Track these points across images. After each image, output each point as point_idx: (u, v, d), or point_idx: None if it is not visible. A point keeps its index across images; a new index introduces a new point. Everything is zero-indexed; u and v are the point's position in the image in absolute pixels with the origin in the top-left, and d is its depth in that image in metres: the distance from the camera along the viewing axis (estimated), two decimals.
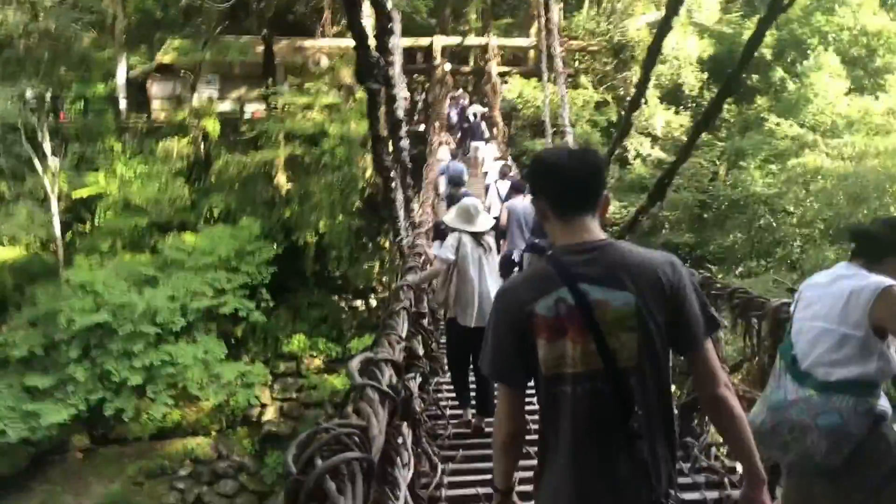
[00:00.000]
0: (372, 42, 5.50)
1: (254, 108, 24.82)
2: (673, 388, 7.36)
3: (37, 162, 19.47)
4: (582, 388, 1.99)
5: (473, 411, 5.89)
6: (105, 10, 24.41)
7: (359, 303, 22.00)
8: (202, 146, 22.23)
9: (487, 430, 5.84)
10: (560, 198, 2.11)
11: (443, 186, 12.93)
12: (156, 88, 25.64)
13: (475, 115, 21.39)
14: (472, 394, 5.98)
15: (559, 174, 2.12)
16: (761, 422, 2.65)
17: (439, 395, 6.36)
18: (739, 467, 5.06)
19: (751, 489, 2.13)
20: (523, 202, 8.78)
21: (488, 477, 2.49)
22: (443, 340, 7.11)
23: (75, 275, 17.91)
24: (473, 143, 19.82)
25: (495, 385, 4.13)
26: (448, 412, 5.91)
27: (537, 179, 2.21)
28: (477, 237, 5.78)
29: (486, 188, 14.04)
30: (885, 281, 2.48)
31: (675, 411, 2.58)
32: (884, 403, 2.55)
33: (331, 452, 1.62)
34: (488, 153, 17.94)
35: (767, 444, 2.63)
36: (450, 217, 6.03)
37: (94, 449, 17.40)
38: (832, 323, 2.53)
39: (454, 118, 22.66)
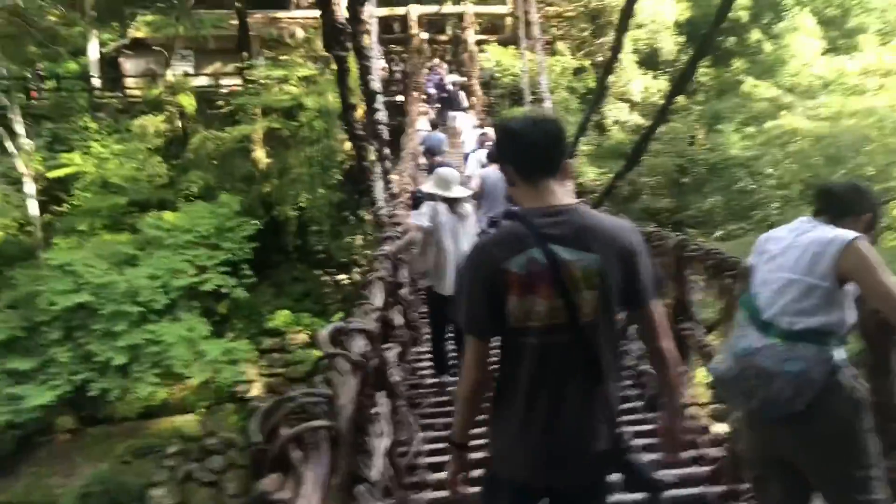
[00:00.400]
0: (345, 13, 5.44)
1: (230, 83, 24.56)
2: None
3: (9, 143, 19.18)
4: (545, 340, 2.18)
5: (452, 378, 5.92)
6: None
7: (342, 277, 21.95)
8: (178, 122, 21.99)
9: None
10: (525, 163, 2.27)
11: (423, 157, 12.87)
12: (129, 65, 25.28)
13: (453, 85, 21.27)
14: (452, 362, 6.02)
15: (523, 141, 2.26)
16: (727, 368, 2.71)
17: (419, 364, 6.39)
18: (715, 427, 5.15)
19: (672, 417, 2.46)
20: (496, 171, 8.73)
21: None
22: (423, 309, 7.14)
23: (54, 256, 17.73)
24: (451, 113, 19.71)
25: None
26: (428, 381, 5.95)
27: (503, 147, 2.37)
28: (452, 205, 5.79)
29: (465, 157, 13.99)
30: (851, 234, 2.57)
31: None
32: (842, 353, 2.65)
33: (297, 421, 1.63)
34: (466, 123, 17.88)
35: (732, 390, 2.73)
36: (427, 185, 6.05)
37: (81, 430, 17.34)
38: (798, 273, 2.61)
39: (432, 88, 22.49)
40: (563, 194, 2.28)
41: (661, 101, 21.87)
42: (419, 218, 5.81)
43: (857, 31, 24.43)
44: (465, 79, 25.00)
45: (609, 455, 2.28)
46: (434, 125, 18.38)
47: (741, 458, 3.05)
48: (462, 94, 21.42)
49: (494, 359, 2.33)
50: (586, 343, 2.18)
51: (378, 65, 18.65)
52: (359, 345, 2.46)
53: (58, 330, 16.69)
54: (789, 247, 2.72)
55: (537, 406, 2.22)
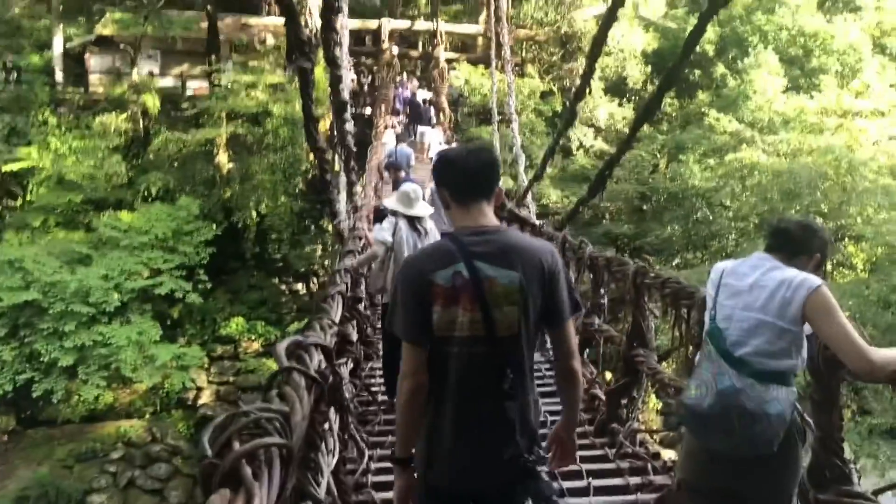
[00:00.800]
0: (318, 21, 5.41)
1: (196, 85, 24.28)
2: (608, 375, 7.49)
3: None
4: (466, 350, 2.34)
5: None
6: None
7: (299, 286, 21.80)
8: (141, 122, 21.68)
9: None
10: (459, 187, 2.47)
11: (388, 171, 12.85)
12: (94, 61, 24.83)
13: (423, 101, 21.40)
14: None
15: (458, 168, 2.49)
16: (709, 405, 2.72)
17: (372, 380, 6.33)
18: (665, 453, 5.19)
19: (567, 430, 2.64)
20: None
21: None
22: (379, 325, 7.09)
23: (4, 251, 17.29)
24: (420, 128, 19.85)
25: None
26: (380, 398, 5.89)
27: (441, 173, 2.56)
28: (413, 222, 5.81)
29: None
30: (816, 280, 2.67)
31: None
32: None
33: (249, 436, 1.59)
34: (434, 138, 17.96)
35: (711, 427, 2.75)
36: (390, 201, 6.06)
37: (21, 431, 16.89)
38: (770, 316, 2.68)
39: (399, 103, 22.64)
40: (493, 216, 2.48)
41: (626, 128, 22.26)
42: (381, 233, 5.80)
43: (817, 71, 25.09)
44: (432, 94, 25.12)
45: (521, 465, 2.38)
46: (399, 139, 18.41)
47: (684, 486, 3.08)
48: (431, 110, 21.54)
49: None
50: (504, 355, 2.34)
51: (347, 76, 18.68)
52: (316, 360, 2.43)
53: (3, 327, 16.26)
54: (755, 286, 2.78)
55: (456, 415, 2.38)
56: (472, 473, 2.40)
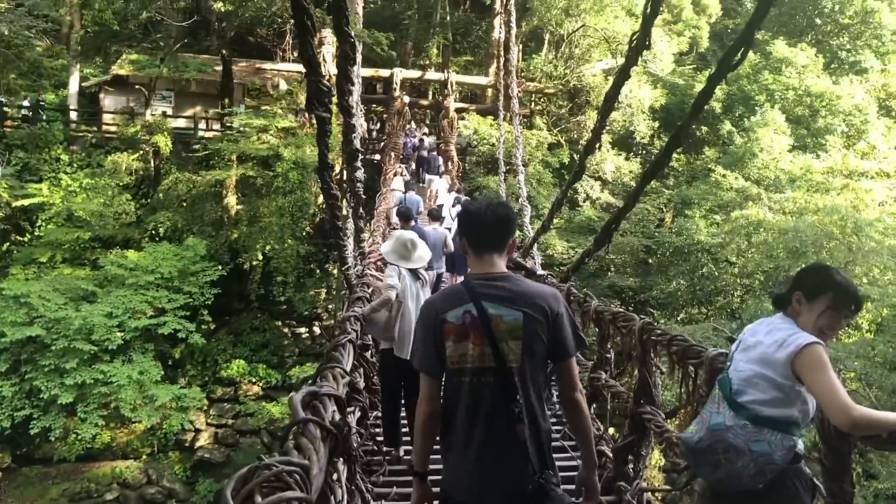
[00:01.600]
0: (333, 69, 5.51)
1: (208, 127, 24.61)
2: (611, 431, 7.42)
3: None
4: (477, 380, 2.62)
5: (405, 448, 5.77)
6: (61, 18, 24.05)
7: (303, 329, 21.73)
8: (152, 162, 21.91)
9: None
10: (475, 239, 2.79)
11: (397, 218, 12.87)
12: (109, 101, 25.25)
13: (430, 149, 21.65)
14: (405, 429, 5.85)
15: (476, 222, 2.79)
16: (699, 439, 2.90)
17: (377, 430, 6.25)
18: None
19: (587, 471, 2.88)
20: (435, 230, 10.78)
21: None
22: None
23: (9, 286, 17.30)
24: (428, 176, 20.06)
25: None
26: (385, 448, 5.83)
27: (462, 225, 2.89)
28: (414, 271, 5.83)
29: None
30: (808, 338, 2.77)
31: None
32: (800, 445, 2.90)
33: (271, 490, 1.60)
34: (441, 186, 18.09)
35: (700, 460, 2.90)
36: (387, 248, 6.05)
37: (16, 469, 16.71)
38: (765, 368, 2.84)
39: (409, 150, 22.90)
40: (503, 265, 2.80)
41: (633, 182, 22.41)
42: (391, 279, 5.81)
43: (823, 131, 25.37)
44: (443, 144, 25.41)
45: (532, 489, 2.60)
46: (407, 186, 18.53)
47: None
48: (439, 159, 21.76)
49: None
50: (511, 384, 2.60)
51: (359, 122, 18.91)
52: (330, 411, 2.44)
53: (4, 362, 16.21)
54: (762, 342, 2.92)
55: (472, 437, 2.63)
56: (487, 490, 2.62)
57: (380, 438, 6.03)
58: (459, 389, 2.65)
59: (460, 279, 8.68)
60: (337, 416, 2.55)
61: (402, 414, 5.94)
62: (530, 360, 2.63)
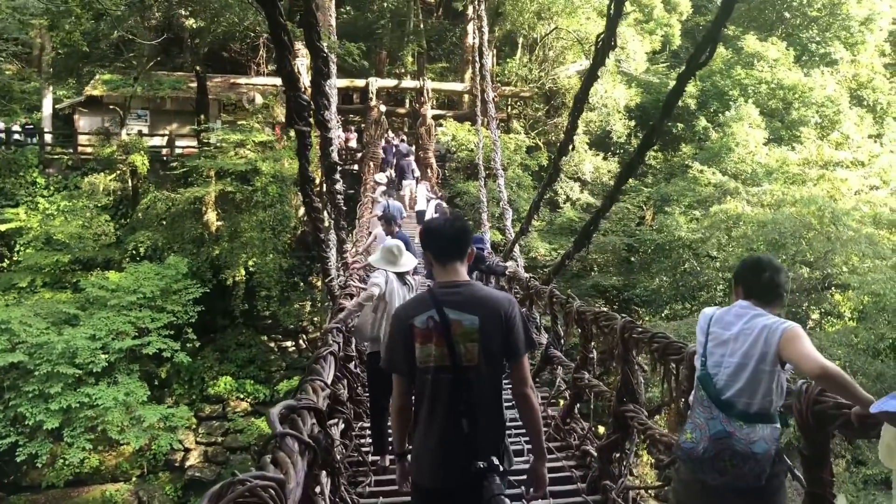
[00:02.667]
0: (308, 81, 5.52)
1: (185, 144, 24.48)
2: (601, 429, 7.45)
3: None
4: (437, 377, 2.97)
5: (390, 458, 5.78)
6: (31, 41, 23.88)
7: (289, 343, 21.65)
8: (130, 181, 21.77)
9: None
10: (438, 251, 3.15)
11: (377, 227, 12.82)
12: (83, 122, 25.07)
13: (408, 155, 21.75)
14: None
15: (438, 236, 3.18)
16: (704, 449, 2.99)
17: (362, 440, 6.25)
18: None
19: (536, 461, 3.18)
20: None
21: None
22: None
23: None
24: (405, 182, 20.17)
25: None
26: (370, 458, 5.82)
27: (425, 239, 3.25)
28: (401, 276, 5.93)
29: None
30: (789, 322, 2.95)
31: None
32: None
33: None
34: (421, 192, 18.11)
35: (707, 468, 3.00)
36: (375, 257, 6.15)
37: (3, 497, 16.52)
38: (750, 360, 2.95)
39: (391, 157, 22.95)
40: (465, 274, 3.16)
41: (612, 181, 22.51)
42: (375, 279, 5.99)
43: (797, 123, 25.58)
44: (421, 152, 25.42)
45: (476, 469, 2.91)
46: (387, 194, 18.57)
47: None
48: (414, 165, 21.86)
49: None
50: (463, 381, 2.95)
51: (336, 135, 18.90)
52: (309, 424, 2.44)
53: None
54: (741, 333, 3.02)
55: (433, 426, 3.00)
56: (442, 474, 3.00)
57: (365, 449, 6.03)
58: (424, 385, 3.01)
59: None
60: (316, 429, 2.55)
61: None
62: (487, 360, 2.98)
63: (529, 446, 3.67)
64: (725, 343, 3.06)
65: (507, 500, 2.90)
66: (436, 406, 2.98)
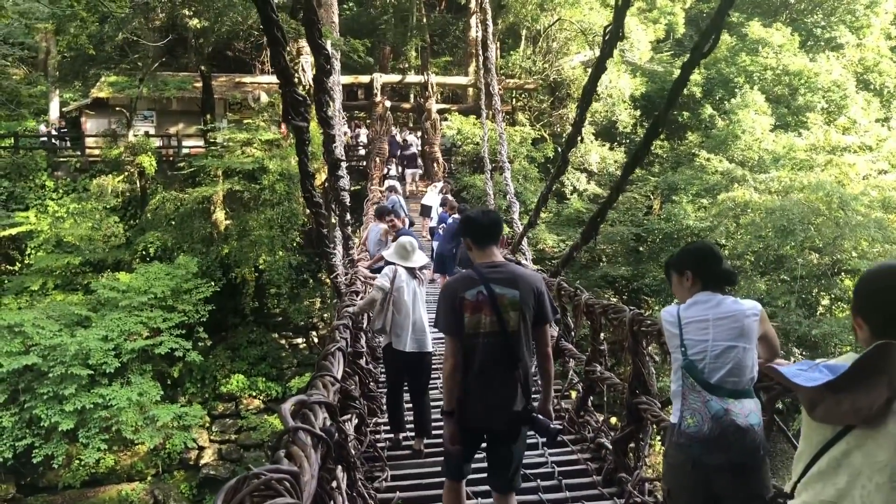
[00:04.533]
0: (311, 78, 5.56)
1: (192, 144, 24.56)
2: (613, 421, 7.48)
3: None
4: (488, 340, 3.68)
5: (404, 434, 6.20)
6: (37, 45, 23.98)
7: (300, 340, 21.73)
8: (138, 182, 21.85)
9: (428, 451, 5.89)
10: (478, 237, 3.87)
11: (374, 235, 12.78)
12: (90, 124, 25.18)
13: (409, 144, 22.62)
14: (409, 417, 6.12)
15: (477, 224, 3.90)
16: (709, 429, 3.12)
17: (377, 436, 6.29)
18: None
19: (544, 401, 3.93)
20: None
21: None
22: (382, 379, 7.10)
23: (3, 316, 17.19)
24: (408, 171, 21.97)
25: (430, 411, 6.03)
26: (385, 454, 5.86)
27: (465, 228, 3.96)
28: (411, 270, 6.06)
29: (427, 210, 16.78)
30: (757, 304, 3.26)
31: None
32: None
33: (261, 498, 1.63)
34: (432, 193, 18.12)
35: (713, 447, 3.11)
36: (388, 252, 6.28)
37: (21, 499, 16.66)
38: (735, 341, 3.15)
39: (396, 150, 23.51)
40: (500, 255, 3.88)
41: (618, 171, 22.47)
42: (381, 279, 6.12)
43: (804, 108, 25.44)
44: (427, 146, 25.45)
45: (523, 412, 3.75)
46: (392, 189, 18.74)
47: (672, 494, 3.36)
48: (415, 150, 22.84)
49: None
50: (511, 343, 3.68)
51: (340, 132, 18.97)
52: (321, 418, 2.47)
53: (2, 393, 16.10)
54: (717, 319, 3.20)
55: (482, 380, 3.69)
56: (493, 417, 3.75)
57: (381, 445, 6.07)
58: (475, 348, 3.67)
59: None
60: (328, 423, 2.58)
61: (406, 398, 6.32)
62: (524, 325, 3.70)
63: (542, 439, 4.44)
64: (704, 330, 3.20)
65: (547, 421, 3.77)
66: (488, 364, 3.66)
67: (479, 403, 3.70)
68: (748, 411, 3.10)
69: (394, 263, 6.13)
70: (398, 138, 23.86)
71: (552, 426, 3.76)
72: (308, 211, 20.13)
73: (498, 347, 3.65)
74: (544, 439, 3.96)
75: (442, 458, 4.18)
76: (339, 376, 3.87)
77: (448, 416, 3.80)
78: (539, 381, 4.03)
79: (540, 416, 3.77)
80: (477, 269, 3.76)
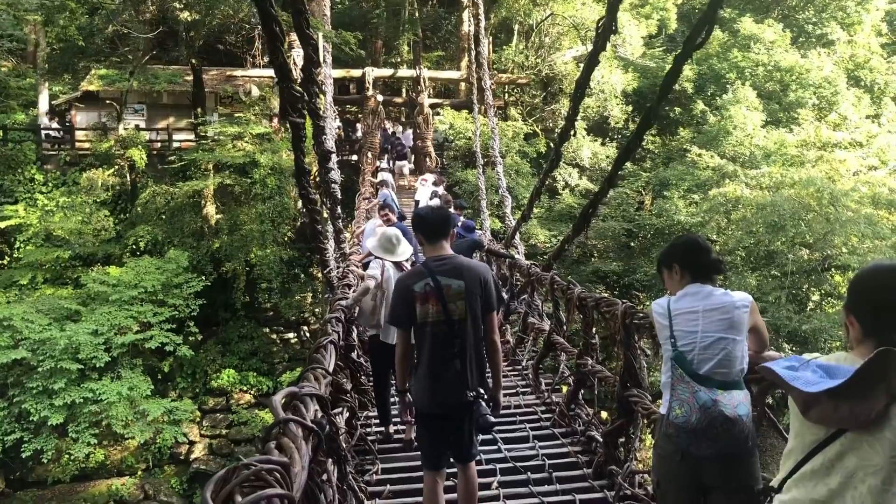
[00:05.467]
0: (299, 73, 5.53)
1: (182, 138, 24.44)
2: (604, 415, 7.49)
3: None
4: (435, 329, 3.97)
5: (395, 428, 6.26)
6: (26, 37, 23.78)
7: (291, 335, 21.67)
8: (128, 176, 21.70)
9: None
10: (428, 234, 4.16)
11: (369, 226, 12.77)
12: (80, 117, 25.02)
13: (399, 137, 22.84)
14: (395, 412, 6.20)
15: (426, 222, 4.18)
16: (696, 420, 3.12)
17: (368, 430, 6.29)
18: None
19: (494, 389, 4.17)
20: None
21: None
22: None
23: None
24: (399, 163, 22.38)
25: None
26: (376, 447, 5.85)
27: (417, 224, 4.25)
28: (398, 263, 6.06)
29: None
30: (747, 295, 3.27)
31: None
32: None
33: (251, 489, 1.61)
34: (424, 190, 18.10)
35: (701, 438, 3.13)
36: (372, 245, 6.24)
37: (10, 493, 16.57)
38: (724, 332, 3.15)
39: (385, 146, 23.65)
40: (449, 249, 4.20)
41: (609, 167, 22.52)
42: (372, 270, 6.20)
43: (795, 104, 25.52)
44: (419, 140, 25.44)
45: (466, 398, 3.93)
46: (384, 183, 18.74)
47: (661, 485, 3.37)
48: (407, 142, 23.04)
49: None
50: (457, 332, 3.95)
51: (333, 125, 18.90)
52: (312, 410, 2.45)
53: None
54: (708, 310, 3.21)
55: (432, 368, 3.98)
56: (439, 401, 4.00)
57: (371, 438, 6.07)
58: (424, 336, 3.99)
59: None
60: (319, 415, 2.56)
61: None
62: (471, 314, 3.97)
63: (533, 432, 4.90)
64: (694, 322, 3.22)
65: (491, 419, 3.94)
66: (434, 351, 3.95)
67: (428, 389, 3.99)
68: (737, 402, 3.10)
69: (380, 258, 6.17)
70: (390, 132, 24.00)
71: (487, 417, 3.92)
72: (300, 205, 20.15)
73: (443, 336, 3.92)
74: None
75: None
76: (330, 369, 3.86)
77: (401, 395, 4.24)
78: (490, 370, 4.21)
79: (482, 404, 3.94)
80: (426, 263, 4.08)
